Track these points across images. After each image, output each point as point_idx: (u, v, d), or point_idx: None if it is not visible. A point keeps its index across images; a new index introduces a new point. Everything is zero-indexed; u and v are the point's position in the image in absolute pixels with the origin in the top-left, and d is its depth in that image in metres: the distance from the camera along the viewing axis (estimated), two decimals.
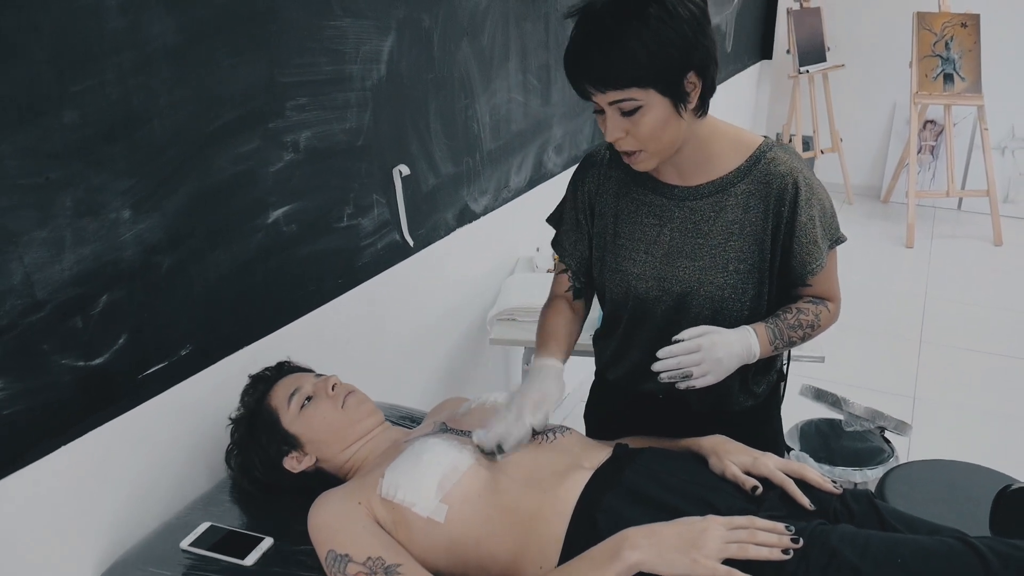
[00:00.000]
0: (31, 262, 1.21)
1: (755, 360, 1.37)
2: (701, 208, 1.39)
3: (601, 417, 1.66)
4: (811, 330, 1.42)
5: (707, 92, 1.28)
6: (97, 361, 1.34)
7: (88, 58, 1.24)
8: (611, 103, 1.25)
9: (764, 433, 1.55)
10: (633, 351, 1.50)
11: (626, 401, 1.56)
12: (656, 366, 1.33)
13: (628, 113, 1.25)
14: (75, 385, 1.31)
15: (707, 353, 1.31)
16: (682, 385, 1.33)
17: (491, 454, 1.28)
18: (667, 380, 1.34)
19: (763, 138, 1.40)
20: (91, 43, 1.24)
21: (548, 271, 2.67)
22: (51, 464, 1.29)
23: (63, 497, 1.33)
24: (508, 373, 2.92)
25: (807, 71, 5.71)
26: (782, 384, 1.62)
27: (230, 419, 1.50)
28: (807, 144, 6.09)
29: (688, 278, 1.40)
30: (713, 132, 1.37)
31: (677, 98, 1.24)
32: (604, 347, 1.58)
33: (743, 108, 6.03)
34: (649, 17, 1.18)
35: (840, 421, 2.42)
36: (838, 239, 1.42)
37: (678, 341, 1.33)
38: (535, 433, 1.33)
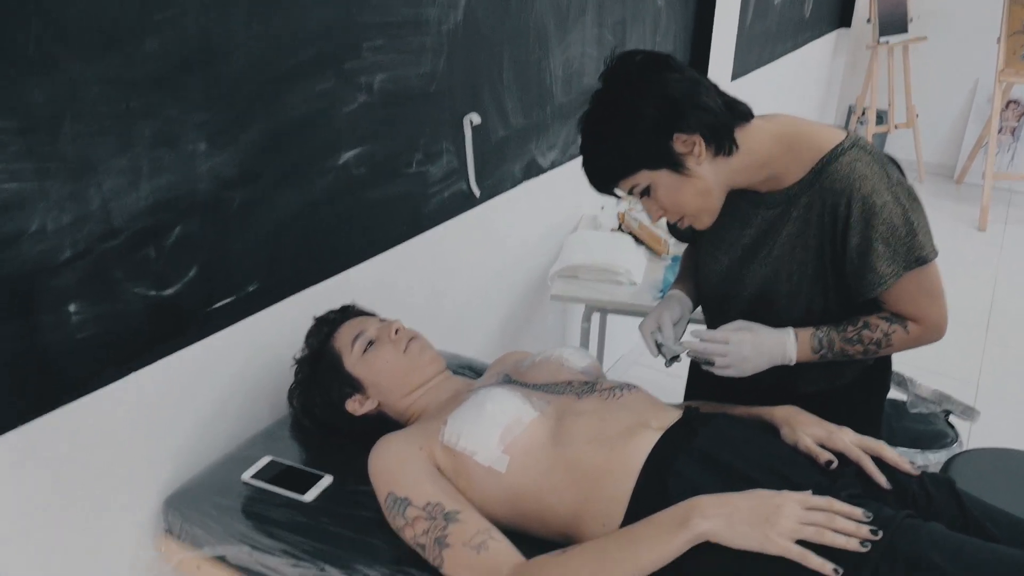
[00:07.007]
0: (109, 189, 1.21)
1: (792, 363, 1.38)
2: (770, 218, 1.39)
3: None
4: (876, 347, 1.38)
5: (715, 135, 1.27)
6: (168, 292, 1.35)
7: None
8: (627, 191, 1.33)
9: (850, 418, 1.37)
10: None
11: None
12: (686, 343, 1.42)
13: (645, 193, 1.32)
14: (146, 314, 1.32)
15: (733, 348, 1.37)
16: (704, 367, 1.41)
17: (675, 357, 1.45)
18: (692, 358, 1.43)
19: (839, 139, 1.32)
20: None
21: (611, 230, 2.63)
22: (121, 390, 1.31)
23: (132, 422, 1.35)
24: (565, 330, 2.89)
25: (887, 42, 5.50)
26: (887, 372, 1.58)
27: (294, 359, 1.51)
28: (881, 118, 5.89)
29: (754, 283, 1.42)
30: (775, 143, 1.33)
31: (673, 165, 1.27)
32: None
33: (817, 78, 5.84)
34: (611, 120, 1.27)
35: (904, 402, 2.35)
36: (919, 259, 1.30)
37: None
38: (598, 389, 1.32)
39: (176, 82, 1.28)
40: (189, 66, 1.29)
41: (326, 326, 1.50)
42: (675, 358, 1.46)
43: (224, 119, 1.37)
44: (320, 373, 1.45)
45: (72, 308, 1.20)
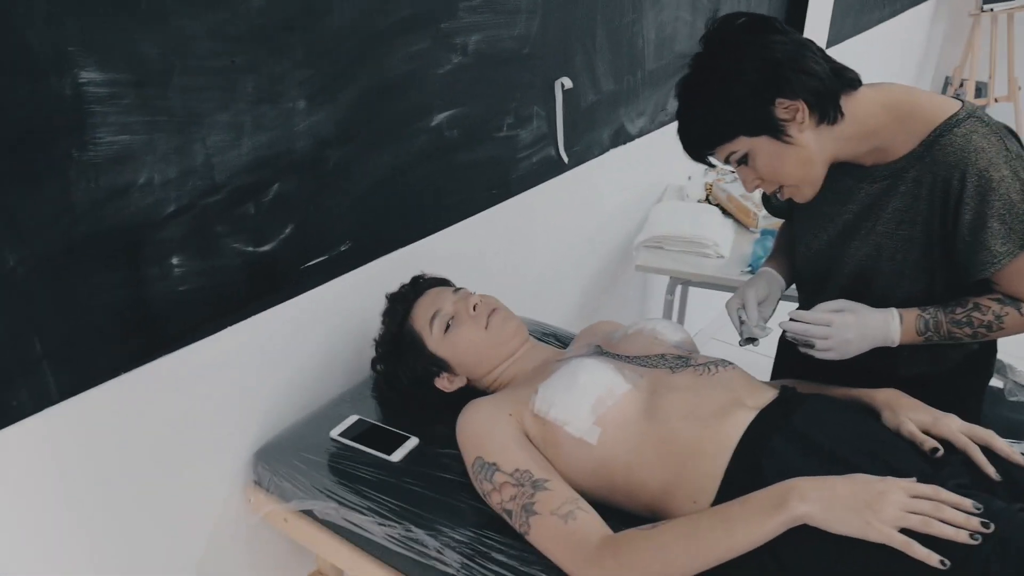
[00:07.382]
0: (213, 144, 1.23)
1: (895, 346, 1.31)
2: (874, 192, 1.32)
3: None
4: (986, 330, 1.30)
5: (819, 102, 1.20)
6: (265, 248, 1.36)
7: None
8: (723, 160, 1.29)
9: (950, 404, 1.30)
10: None
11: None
12: (784, 324, 1.34)
13: (742, 162, 1.27)
14: (243, 270, 1.34)
15: (836, 330, 1.29)
16: (803, 350, 1.34)
17: (751, 339, 1.41)
18: (790, 339, 1.35)
19: (954, 110, 1.24)
20: None
21: (698, 201, 2.57)
22: (217, 343, 1.34)
23: (226, 376, 1.38)
24: (646, 301, 2.85)
25: (991, 9, 5.21)
26: (992, 357, 1.51)
27: (374, 340, 1.50)
28: (980, 91, 5.61)
29: (853, 261, 1.36)
30: (884, 113, 1.25)
31: (773, 132, 1.21)
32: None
33: (913, 47, 5.58)
34: (711, 83, 1.23)
35: (1000, 389, 2.26)
36: None
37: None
38: (693, 365, 1.29)
39: (279, 39, 1.28)
40: (292, 23, 1.29)
41: (400, 304, 1.47)
42: (751, 340, 1.41)
43: (323, 78, 1.37)
44: (403, 354, 1.44)
45: (175, 261, 1.23)
